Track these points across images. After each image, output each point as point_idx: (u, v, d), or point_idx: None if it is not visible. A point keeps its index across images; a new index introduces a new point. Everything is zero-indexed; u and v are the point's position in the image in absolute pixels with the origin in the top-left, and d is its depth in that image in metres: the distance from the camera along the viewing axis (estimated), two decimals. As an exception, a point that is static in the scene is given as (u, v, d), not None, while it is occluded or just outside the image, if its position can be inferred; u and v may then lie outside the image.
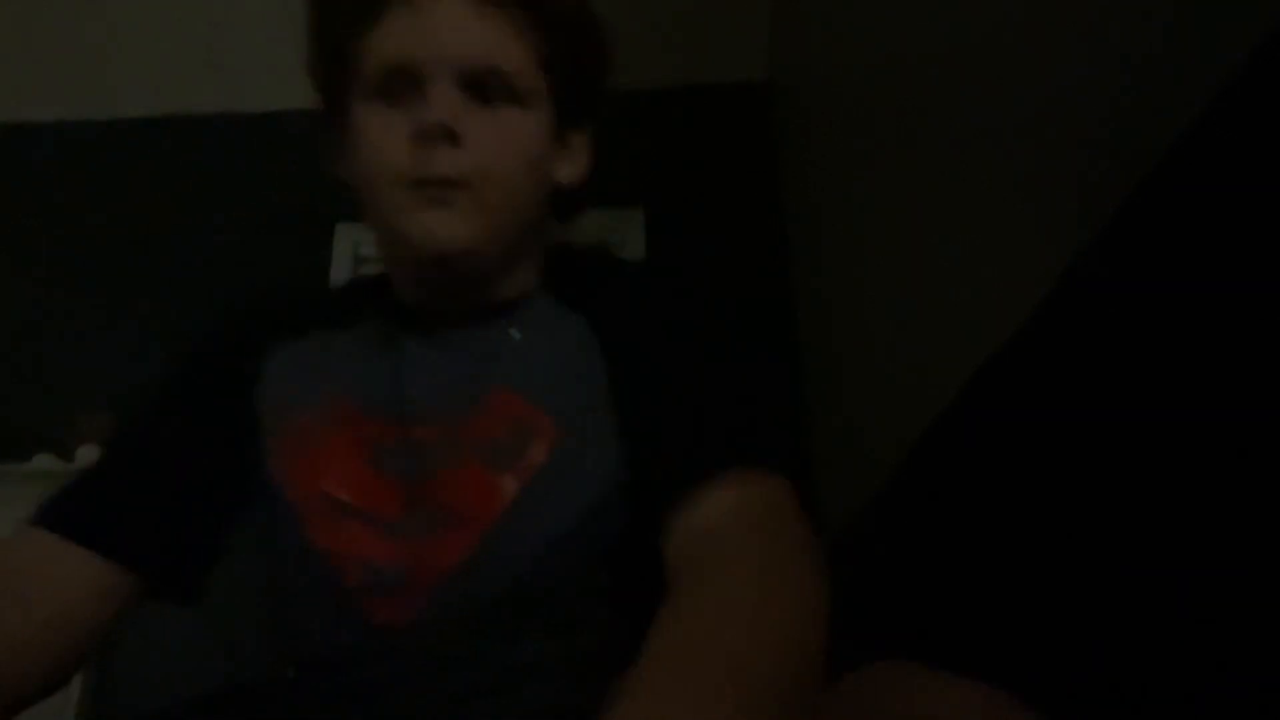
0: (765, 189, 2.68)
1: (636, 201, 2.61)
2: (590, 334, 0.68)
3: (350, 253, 2.73)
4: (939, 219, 1.24)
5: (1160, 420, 0.63)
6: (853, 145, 1.78)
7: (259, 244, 2.73)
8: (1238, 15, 0.57)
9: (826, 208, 2.08)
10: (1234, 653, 0.54)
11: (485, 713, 0.57)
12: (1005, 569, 0.83)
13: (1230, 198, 0.56)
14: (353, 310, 0.76)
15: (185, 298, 2.67)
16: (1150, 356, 0.64)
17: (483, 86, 0.68)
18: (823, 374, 2.13)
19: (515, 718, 0.57)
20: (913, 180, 1.36)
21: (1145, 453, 0.64)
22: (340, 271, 2.71)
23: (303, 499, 0.66)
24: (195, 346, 0.77)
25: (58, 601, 0.62)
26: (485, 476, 0.63)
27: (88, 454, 2.37)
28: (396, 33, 0.68)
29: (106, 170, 2.85)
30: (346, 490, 0.65)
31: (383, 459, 0.66)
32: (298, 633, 0.65)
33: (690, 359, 0.66)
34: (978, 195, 1.08)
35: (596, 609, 0.61)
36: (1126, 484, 0.66)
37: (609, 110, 0.81)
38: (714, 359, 0.67)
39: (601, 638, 0.60)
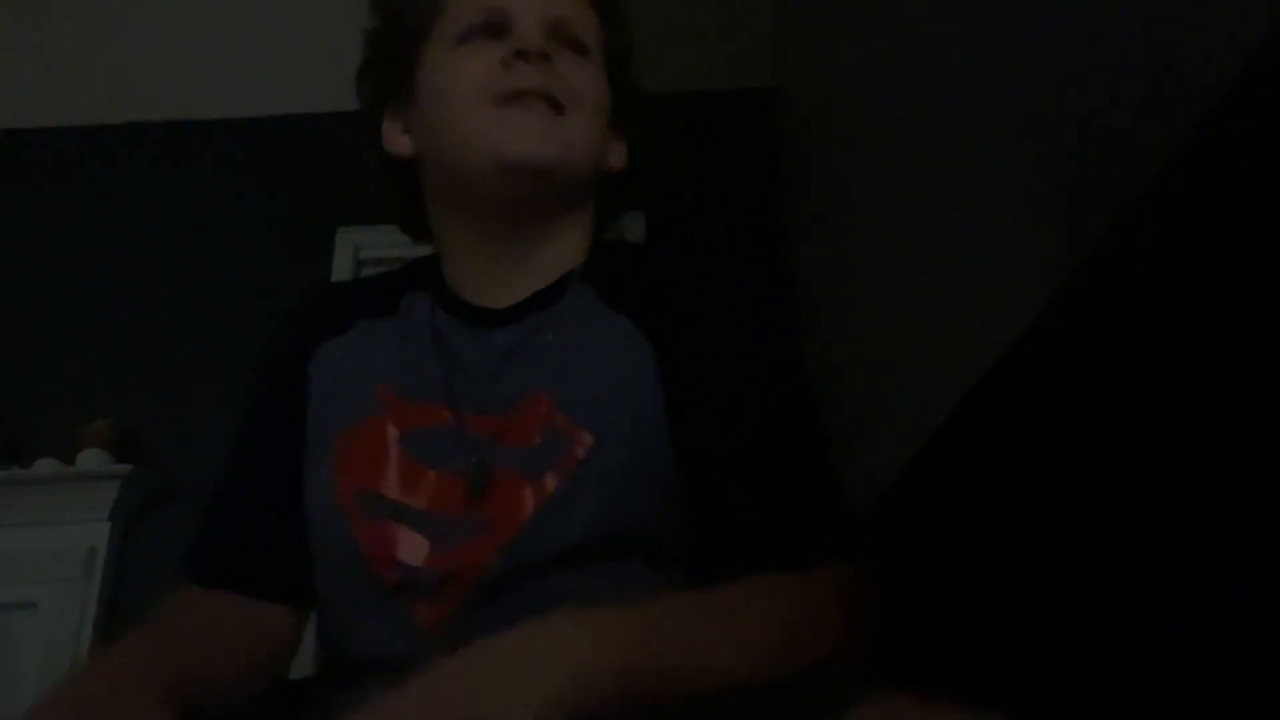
0: (767, 195, 2.69)
1: (638, 206, 2.61)
2: (638, 337, 0.68)
3: (352, 256, 2.73)
4: (941, 225, 1.24)
5: (1168, 432, 0.62)
6: (855, 151, 1.78)
7: (261, 248, 2.73)
8: (1242, 15, 0.57)
9: (829, 214, 2.08)
10: (1236, 666, 0.54)
11: None
12: (1008, 586, 0.82)
13: (1237, 204, 0.56)
14: (397, 296, 0.76)
15: (187, 302, 2.68)
16: (1158, 366, 0.64)
17: (560, 38, 0.72)
18: (821, 382, 2.13)
19: None
20: (915, 186, 1.36)
21: (1153, 466, 0.64)
22: (341, 275, 2.72)
23: (345, 494, 0.66)
24: (260, 360, 0.78)
25: (238, 651, 0.65)
26: (521, 481, 0.63)
27: (88, 459, 2.36)
28: None
29: (109, 175, 2.85)
30: (391, 486, 0.65)
31: (428, 448, 0.66)
32: (346, 632, 0.66)
33: (745, 373, 0.68)
34: (980, 201, 1.08)
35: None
36: (1134, 500, 0.66)
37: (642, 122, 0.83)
38: (766, 373, 0.70)
39: None
